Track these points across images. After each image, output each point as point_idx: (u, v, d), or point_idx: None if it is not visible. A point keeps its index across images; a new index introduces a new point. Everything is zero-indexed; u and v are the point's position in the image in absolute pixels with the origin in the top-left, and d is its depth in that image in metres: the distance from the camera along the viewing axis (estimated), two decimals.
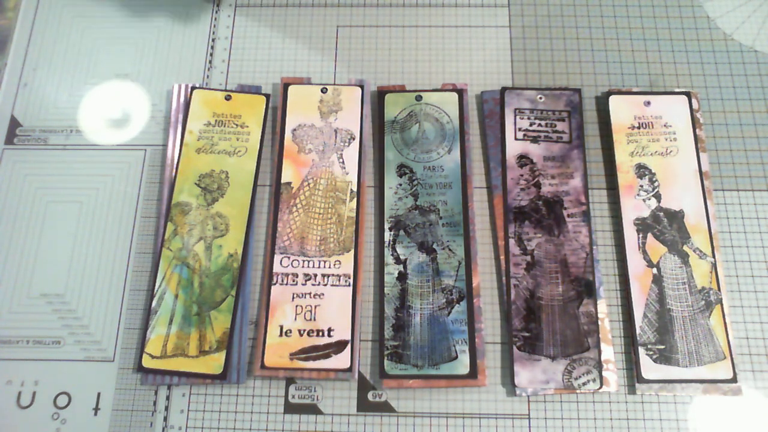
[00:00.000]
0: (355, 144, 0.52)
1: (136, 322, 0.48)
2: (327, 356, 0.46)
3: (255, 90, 0.54)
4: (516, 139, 0.52)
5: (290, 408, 0.46)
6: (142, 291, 0.49)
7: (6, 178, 0.52)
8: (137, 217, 0.51)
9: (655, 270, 0.48)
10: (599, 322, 0.46)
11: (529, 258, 0.48)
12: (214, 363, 0.46)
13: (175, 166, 0.51)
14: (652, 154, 0.51)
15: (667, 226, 0.49)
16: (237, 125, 0.52)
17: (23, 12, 0.59)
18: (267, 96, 0.54)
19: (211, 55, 0.56)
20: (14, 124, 0.54)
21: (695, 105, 0.53)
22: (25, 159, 0.53)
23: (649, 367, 0.45)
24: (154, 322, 0.47)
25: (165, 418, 0.46)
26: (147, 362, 0.46)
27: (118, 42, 0.57)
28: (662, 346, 0.46)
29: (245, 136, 0.52)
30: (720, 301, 0.47)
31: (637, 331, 0.46)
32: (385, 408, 0.46)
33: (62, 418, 0.46)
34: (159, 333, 0.46)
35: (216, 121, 0.52)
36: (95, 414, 0.46)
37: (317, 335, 0.46)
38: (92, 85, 0.56)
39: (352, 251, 0.48)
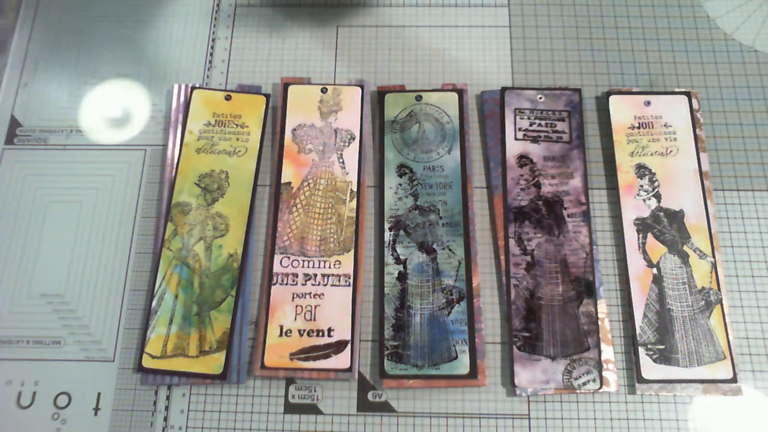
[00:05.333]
0: (355, 144, 0.52)
1: (136, 322, 0.48)
2: (327, 356, 0.46)
3: (255, 90, 0.54)
4: (516, 139, 0.52)
5: (290, 408, 0.46)
6: (142, 291, 0.49)
7: (6, 178, 0.53)
8: (137, 217, 0.51)
9: (655, 270, 0.48)
10: (599, 322, 0.46)
11: (529, 258, 0.48)
12: (214, 363, 0.46)
13: (175, 166, 0.51)
14: (652, 154, 0.51)
15: (667, 226, 0.49)
16: (237, 125, 0.52)
17: (23, 12, 0.59)
18: (267, 96, 0.54)
19: (211, 55, 0.56)
20: (14, 124, 0.54)
21: (695, 105, 0.53)
22: (25, 159, 0.53)
23: (649, 367, 0.45)
24: (154, 322, 0.47)
25: (165, 418, 0.46)
26: (147, 362, 0.46)
27: (118, 42, 0.57)
28: (662, 346, 0.46)
29: (245, 136, 0.52)
30: (720, 301, 0.47)
31: (637, 331, 0.46)
32: (385, 408, 0.46)
33: (62, 418, 0.46)
34: (159, 333, 0.46)
35: (216, 121, 0.52)
36: (95, 414, 0.46)
37: (317, 335, 0.46)
38: (92, 85, 0.56)
39: (352, 251, 0.48)
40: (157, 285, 0.48)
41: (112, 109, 0.55)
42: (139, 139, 0.54)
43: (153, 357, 0.46)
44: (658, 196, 0.50)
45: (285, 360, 0.46)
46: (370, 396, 0.46)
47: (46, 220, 0.51)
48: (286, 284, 0.48)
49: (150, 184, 0.52)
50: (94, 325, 0.48)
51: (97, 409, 0.46)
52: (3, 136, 0.54)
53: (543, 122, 0.52)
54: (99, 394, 0.46)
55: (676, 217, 0.49)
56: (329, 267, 0.48)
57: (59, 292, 0.49)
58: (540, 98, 0.53)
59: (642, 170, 0.50)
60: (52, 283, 0.49)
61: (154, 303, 0.47)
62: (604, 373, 0.45)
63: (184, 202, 0.50)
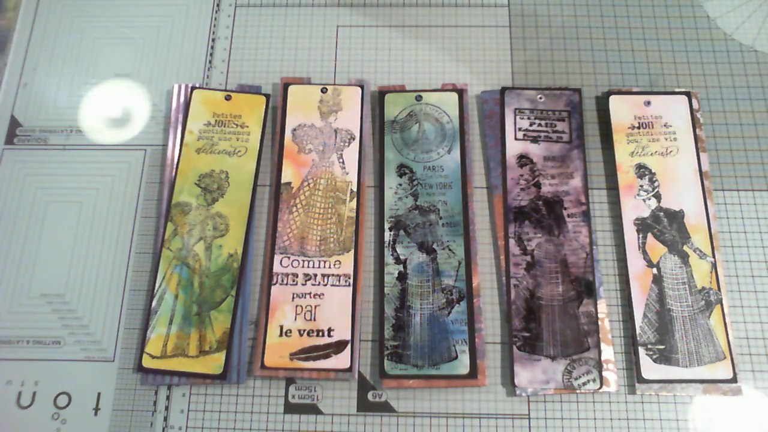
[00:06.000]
0: (355, 144, 0.52)
1: (136, 322, 0.48)
2: (327, 356, 0.46)
3: (255, 90, 0.54)
4: (516, 139, 0.52)
5: (290, 408, 0.46)
6: (142, 291, 0.49)
7: (6, 178, 0.53)
8: (137, 217, 0.51)
9: (655, 270, 0.48)
10: (599, 322, 0.46)
11: (529, 258, 0.48)
12: (214, 363, 0.46)
13: (175, 166, 0.51)
14: (652, 154, 0.51)
15: (667, 226, 0.49)
16: (237, 125, 0.52)
17: (23, 12, 0.59)
18: (267, 96, 0.54)
19: (211, 55, 0.56)
20: (14, 124, 0.54)
21: (695, 105, 0.53)
22: (25, 159, 0.53)
23: (649, 367, 0.45)
24: (154, 322, 0.47)
25: (165, 418, 0.46)
26: (147, 362, 0.46)
27: (118, 42, 0.57)
28: (662, 346, 0.46)
29: (245, 136, 0.52)
30: (720, 301, 0.47)
31: (637, 331, 0.46)
32: (385, 408, 0.46)
33: (62, 418, 0.46)
34: (159, 333, 0.46)
35: (216, 121, 0.52)
36: (95, 414, 0.46)
37: (317, 335, 0.46)
38: (92, 85, 0.56)
39: (352, 251, 0.48)
40: (157, 285, 0.48)
41: (112, 109, 0.55)
42: (139, 139, 0.54)
43: (153, 357, 0.46)
44: (658, 196, 0.50)
45: (285, 360, 0.46)
46: (370, 396, 0.46)
47: (46, 220, 0.51)
48: (286, 284, 0.48)
49: (150, 184, 0.52)
50: (94, 325, 0.48)
51: (97, 409, 0.46)
52: (3, 136, 0.54)
53: (543, 122, 0.52)
54: (99, 394, 0.46)
55: (676, 217, 0.49)
56: (329, 267, 0.48)
57: (59, 292, 0.49)
58: (540, 98, 0.53)
59: (642, 170, 0.50)
60: (52, 283, 0.49)
61: (154, 303, 0.47)
62: (604, 373, 0.45)
63: (184, 202, 0.50)
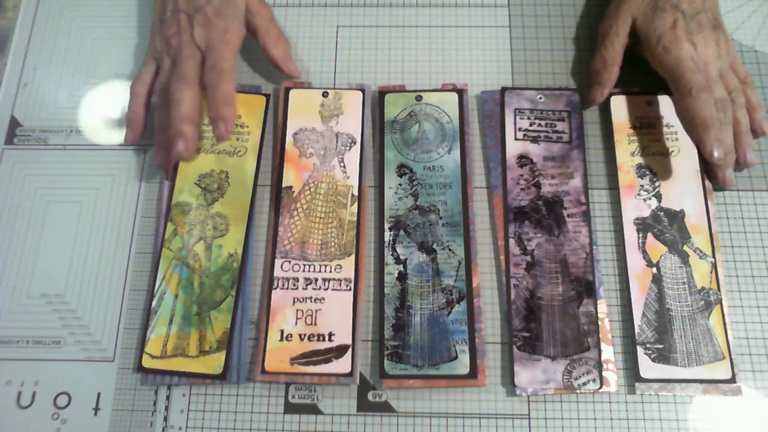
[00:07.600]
0: (356, 148, 0.51)
1: (136, 322, 0.48)
2: (328, 361, 0.46)
3: (255, 90, 0.54)
4: (516, 139, 0.52)
5: (290, 408, 0.46)
6: (142, 291, 0.49)
7: (6, 178, 0.52)
8: (137, 217, 0.51)
9: (654, 270, 0.48)
10: (599, 322, 0.46)
11: (529, 258, 0.48)
12: (214, 363, 0.46)
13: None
14: (652, 154, 0.51)
15: (667, 225, 0.49)
16: (237, 125, 0.52)
17: (23, 12, 0.58)
18: (267, 96, 0.54)
19: None
20: (14, 124, 0.54)
21: None
22: (25, 159, 0.53)
23: (647, 366, 0.45)
24: (154, 322, 0.47)
25: (165, 418, 0.46)
26: (147, 362, 0.46)
27: (118, 42, 0.57)
28: (660, 346, 0.46)
29: (245, 136, 0.52)
30: (720, 301, 0.47)
31: (636, 330, 0.46)
32: (385, 408, 0.46)
33: (62, 418, 0.46)
34: (159, 333, 0.47)
35: None
36: (95, 414, 0.46)
37: (318, 340, 0.46)
38: (92, 85, 0.56)
39: (353, 255, 0.48)
40: (157, 285, 0.48)
41: (112, 109, 0.55)
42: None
43: (153, 357, 0.46)
44: (658, 196, 0.50)
45: (286, 365, 0.46)
46: (370, 396, 0.46)
47: (46, 220, 0.51)
48: (287, 288, 0.48)
49: (150, 184, 0.52)
50: (94, 325, 0.48)
51: (97, 409, 0.46)
52: (3, 136, 0.54)
53: (543, 122, 0.52)
54: (99, 394, 0.46)
55: (677, 217, 0.49)
56: (330, 271, 0.48)
57: (59, 292, 0.49)
58: (540, 98, 0.53)
59: (642, 170, 0.50)
60: (52, 283, 0.49)
61: (154, 303, 0.47)
62: (604, 373, 0.45)
63: (184, 202, 0.50)
